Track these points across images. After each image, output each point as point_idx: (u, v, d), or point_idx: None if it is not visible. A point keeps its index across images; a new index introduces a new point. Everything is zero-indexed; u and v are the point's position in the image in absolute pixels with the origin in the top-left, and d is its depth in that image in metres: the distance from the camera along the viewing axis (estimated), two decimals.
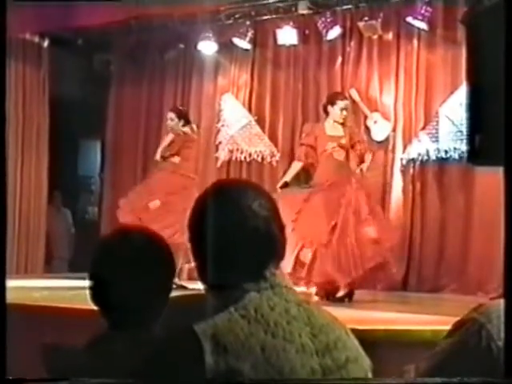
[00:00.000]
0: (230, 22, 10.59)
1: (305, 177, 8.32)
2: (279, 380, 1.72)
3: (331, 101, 8.09)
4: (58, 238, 12.02)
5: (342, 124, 7.91)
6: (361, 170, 7.91)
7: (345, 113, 7.93)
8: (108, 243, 2.49)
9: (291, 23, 10.15)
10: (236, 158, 10.71)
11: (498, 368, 1.93)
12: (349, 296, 7.61)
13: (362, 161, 8.07)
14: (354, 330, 1.97)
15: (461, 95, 9.00)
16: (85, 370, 2.25)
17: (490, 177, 8.16)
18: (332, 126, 7.93)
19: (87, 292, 2.40)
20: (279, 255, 1.90)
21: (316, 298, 7.39)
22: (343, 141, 7.89)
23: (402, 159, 9.70)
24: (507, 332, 1.75)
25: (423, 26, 9.45)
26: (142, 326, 2.30)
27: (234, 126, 10.77)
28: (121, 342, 2.27)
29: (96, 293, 2.38)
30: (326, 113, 8.04)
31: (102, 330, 2.39)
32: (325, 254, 7.48)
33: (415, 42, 9.76)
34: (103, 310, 2.38)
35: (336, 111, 7.91)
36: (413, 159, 9.64)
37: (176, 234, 7.42)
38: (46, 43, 11.25)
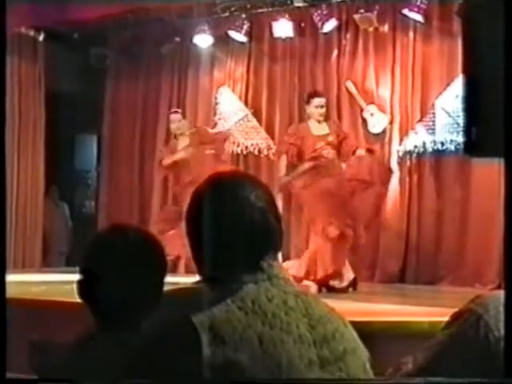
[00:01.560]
0: (226, 15, 10.58)
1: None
2: (279, 379, 1.72)
3: (307, 100, 8.16)
4: (55, 232, 12.01)
5: (320, 121, 7.95)
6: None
7: (321, 110, 7.95)
8: (100, 240, 2.48)
9: (287, 16, 10.15)
10: (233, 151, 10.70)
11: (496, 359, 1.93)
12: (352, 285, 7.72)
13: (351, 155, 8.11)
14: (351, 322, 1.97)
15: (457, 87, 9.02)
16: (73, 367, 2.25)
17: (487, 168, 8.19)
18: (315, 125, 7.95)
19: (76, 287, 2.39)
20: (276, 246, 1.90)
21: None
22: (330, 138, 7.93)
23: (398, 151, 9.71)
24: (507, 331, 1.75)
25: (419, 18, 9.46)
26: (131, 324, 2.29)
27: (231, 119, 10.77)
28: (111, 338, 2.26)
29: (86, 288, 2.38)
30: (306, 113, 8.13)
31: (90, 327, 2.38)
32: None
33: (411, 34, 9.76)
34: (92, 306, 2.37)
35: (312, 110, 7.96)
36: (409, 151, 9.66)
37: None
38: (41, 37, 11.23)
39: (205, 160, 8.46)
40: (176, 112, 9.17)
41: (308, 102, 8.07)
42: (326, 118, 8.28)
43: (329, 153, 7.90)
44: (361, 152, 8.08)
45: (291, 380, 1.74)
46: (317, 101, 7.99)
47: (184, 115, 9.16)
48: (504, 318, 1.86)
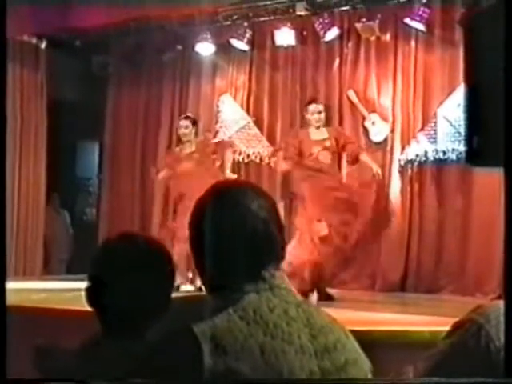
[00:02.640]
0: (228, 23, 10.60)
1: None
2: (279, 380, 1.72)
3: (305, 106, 8.24)
4: (56, 240, 12.01)
5: (318, 127, 7.98)
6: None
7: (316, 116, 8.00)
8: (109, 247, 2.48)
9: (289, 24, 10.16)
10: (234, 160, 10.68)
11: (497, 368, 1.93)
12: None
13: (354, 161, 8.17)
14: (352, 331, 1.97)
15: (459, 96, 9.02)
16: (78, 372, 2.25)
17: (488, 178, 8.17)
18: (314, 130, 7.99)
19: (84, 293, 2.40)
20: (278, 256, 1.90)
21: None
22: (328, 143, 7.95)
23: (400, 160, 9.70)
24: (507, 332, 1.75)
25: (421, 27, 9.46)
26: (136, 332, 2.29)
27: (232, 127, 10.77)
28: (115, 345, 2.26)
29: (94, 295, 2.38)
30: (305, 119, 8.18)
31: (96, 333, 2.38)
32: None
33: (413, 43, 9.76)
34: (99, 313, 2.37)
35: (308, 116, 8.07)
36: (411, 160, 9.65)
37: None
38: (43, 45, 11.25)
39: (209, 170, 8.43)
40: (186, 118, 9.02)
41: (306, 108, 8.16)
42: (328, 124, 8.30)
43: (325, 158, 7.93)
44: (364, 157, 8.14)
45: (291, 381, 1.74)
46: (313, 107, 8.08)
47: (193, 122, 9.04)
48: (504, 328, 1.85)
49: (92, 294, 2.37)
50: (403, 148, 9.69)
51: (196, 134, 8.89)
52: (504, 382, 1.75)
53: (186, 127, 8.71)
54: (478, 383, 1.91)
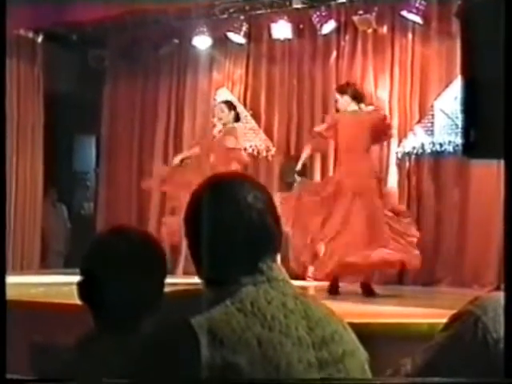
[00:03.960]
0: (225, 16, 10.58)
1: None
2: (279, 380, 1.72)
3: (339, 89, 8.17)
4: (53, 234, 12.00)
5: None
6: None
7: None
8: (100, 242, 2.47)
9: (286, 17, 10.15)
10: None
11: (494, 361, 1.93)
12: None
13: None
14: (350, 324, 1.97)
15: (456, 88, 9.02)
16: (74, 369, 2.25)
17: (486, 170, 8.19)
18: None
19: (76, 288, 2.39)
20: (275, 248, 1.90)
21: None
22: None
23: (397, 153, 9.71)
24: (507, 331, 1.75)
25: (418, 19, 9.47)
26: (131, 326, 2.28)
27: None
28: (111, 340, 2.26)
29: (86, 290, 2.37)
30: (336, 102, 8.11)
31: (91, 329, 2.38)
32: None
33: (410, 35, 9.77)
34: (92, 308, 2.37)
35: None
36: (408, 153, 9.66)
37: None
38: (40, 39, 11.23)
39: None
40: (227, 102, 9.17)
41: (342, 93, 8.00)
42: None
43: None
44: None
45: (290, 380, 1.74)
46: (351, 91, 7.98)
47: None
48: (504, 320, 1.86)
49: (84, 289, 2.37)
50: (400, 141, 9.70)
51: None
52: (504, 382, 1.75)
53: (222, 111, 8.80)
54: (478, 383, 1.91)
